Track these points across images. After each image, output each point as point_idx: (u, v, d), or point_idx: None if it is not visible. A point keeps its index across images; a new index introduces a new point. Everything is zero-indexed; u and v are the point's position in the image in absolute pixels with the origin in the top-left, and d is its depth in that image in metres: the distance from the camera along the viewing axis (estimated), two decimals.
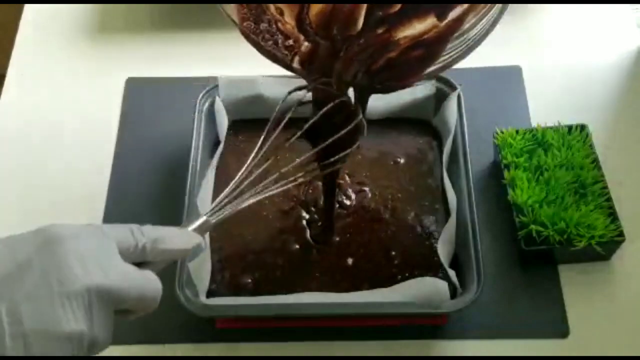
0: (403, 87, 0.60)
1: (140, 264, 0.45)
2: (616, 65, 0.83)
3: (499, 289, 0.67)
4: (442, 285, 0.61)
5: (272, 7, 0.52)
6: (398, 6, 0.49)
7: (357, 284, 0.65)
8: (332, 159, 0.58)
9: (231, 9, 0.53)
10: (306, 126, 0.57)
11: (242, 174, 0.55)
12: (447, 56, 0.53)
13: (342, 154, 0.58)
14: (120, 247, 0.43)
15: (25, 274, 0.39)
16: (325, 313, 0.63)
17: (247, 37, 0.53)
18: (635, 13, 0.87)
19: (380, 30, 0.50)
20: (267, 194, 0.55)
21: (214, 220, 0.52)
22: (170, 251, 0.46)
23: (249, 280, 0.66)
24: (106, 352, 0.66)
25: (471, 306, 0.60)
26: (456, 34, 0.51)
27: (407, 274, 0.66)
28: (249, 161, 0.56)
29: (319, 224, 0.70)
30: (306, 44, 0.53)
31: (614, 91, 0.81)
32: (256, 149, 0.57)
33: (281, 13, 0.52)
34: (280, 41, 0.53)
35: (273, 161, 0.57)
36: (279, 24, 0.52)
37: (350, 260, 0.67)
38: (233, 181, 0.55)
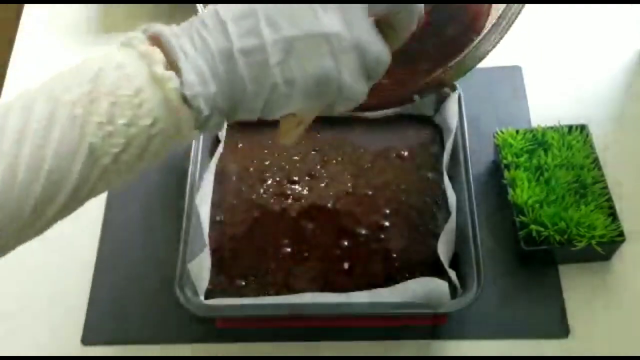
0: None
1: None
2: (616, 65, 0.82)
3: (499, 289, 0.67)
4: (442, 285, 0.61)
5: None
6: None
7: (357, 284, 0.65)
8: None
9: None
10: None
11: None
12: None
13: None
14: None
15: None
16: (325, 313, 0.63)
17: None
18: (635, 13, 0.87)
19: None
20: None
21: None
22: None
23: (248, 281, 0.66)
24: (106, 352, 0.67)
25: (471, 306, 0.60)
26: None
27: (407, 274, 0.66)
28: None
29: None
30: None
31: (614, 91, 0.81)
32: None
33: None
34: None
35: None
36: None
37: (349, 260, 0.67)
38: None
